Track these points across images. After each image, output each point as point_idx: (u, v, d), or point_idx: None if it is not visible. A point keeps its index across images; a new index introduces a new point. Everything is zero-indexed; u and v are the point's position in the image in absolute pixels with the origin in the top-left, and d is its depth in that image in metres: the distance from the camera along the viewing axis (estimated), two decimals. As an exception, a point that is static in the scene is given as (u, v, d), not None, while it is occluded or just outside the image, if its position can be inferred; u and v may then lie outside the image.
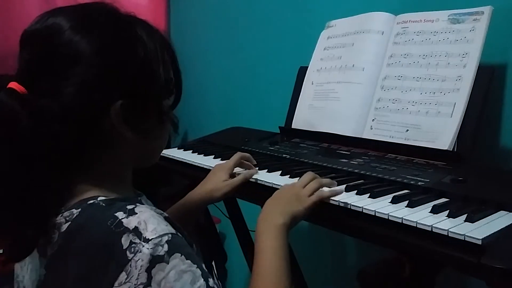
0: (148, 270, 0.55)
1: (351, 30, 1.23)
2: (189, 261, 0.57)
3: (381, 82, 1.12)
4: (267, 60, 1.74)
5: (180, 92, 0.73)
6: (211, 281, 0.58)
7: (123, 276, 0.55)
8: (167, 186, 1.24)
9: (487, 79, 0.96)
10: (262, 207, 0.81)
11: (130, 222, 0.58)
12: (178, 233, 0.60)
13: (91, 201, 0.62)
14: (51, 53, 0.61)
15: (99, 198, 0.63)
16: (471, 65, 0.96)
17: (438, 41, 1.04)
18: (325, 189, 0.84)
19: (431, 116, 1.00)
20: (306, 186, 0.83)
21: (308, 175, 0.86)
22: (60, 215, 0.62)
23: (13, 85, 0.61)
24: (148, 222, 0.58)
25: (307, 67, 1.31)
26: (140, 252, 0.55)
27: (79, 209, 0.61)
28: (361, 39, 1.19)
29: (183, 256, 0.57)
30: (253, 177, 0.97)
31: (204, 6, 2.08)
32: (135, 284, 0.54)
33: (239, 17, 1.87)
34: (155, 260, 0.55)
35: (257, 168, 1.01)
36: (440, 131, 0.97)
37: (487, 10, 0.98)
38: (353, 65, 1.18)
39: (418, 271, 0.87)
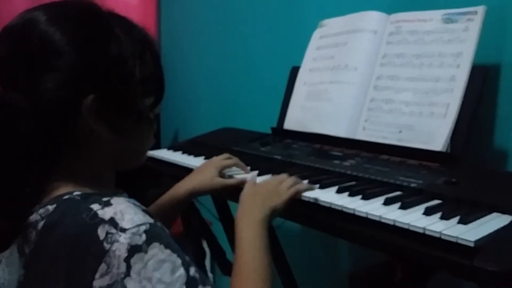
0: (127, 260, 0.54)
1: (344, 29, 1.21)
2: (168, 250, 0.56)
3: (374, 82, 1.11)
4: (259, 60, 1.72)
5: (162, 92, 0.72)
6: (192, 270, 0.58)
7: (103, 267, 0.54)
8: (156, 188, 1.22)
9: (480, 80, 0.94)
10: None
11: (106, 213, 0.56)
12: (157, 223, 0.58)
13: (66, 196, 0.61)
14: (25, 46, 0.61)
15: (75, 193, 0.61)
16: (464, 65, 0.95)
17: (431, 41, 1.03)
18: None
19: (425, 117, 0.98)
20: (283, 182, 0.85)
21: (284, 174, 0.89)
22: (36, 212, 0.61)
23: None
24: (124, 212, 0.57)
25: (300, 67, 1.30)
26: (117, 242, 0.54)
27: (54, 205, 0.60)
28: (354, 39, 1.18)
29: (162, 245, 0.56)
30: (244, 177, 0.96)
31: (195, 5, 2.06)
32: (116, 274, 0.54)
33: (231, 16, 1.86)
34: (133, 250, 0.54)
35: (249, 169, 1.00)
36: (433, 132, 0.96)
37: (480, 10, 0.97)
38: (346, 65, 1.17)
39: (410, 275, 0.85)
